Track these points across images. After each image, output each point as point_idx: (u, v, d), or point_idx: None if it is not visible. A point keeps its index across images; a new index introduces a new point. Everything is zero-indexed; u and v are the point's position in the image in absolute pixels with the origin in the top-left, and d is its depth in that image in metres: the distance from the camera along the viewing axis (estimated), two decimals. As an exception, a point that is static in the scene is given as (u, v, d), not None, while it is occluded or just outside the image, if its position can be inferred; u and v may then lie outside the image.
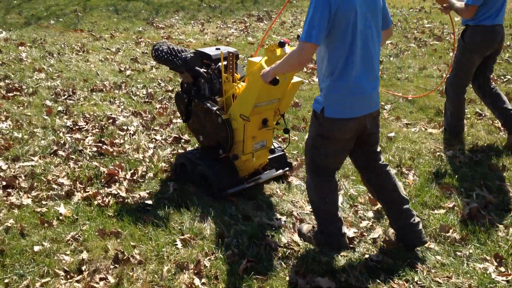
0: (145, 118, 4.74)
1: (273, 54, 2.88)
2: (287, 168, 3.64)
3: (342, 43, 2.39)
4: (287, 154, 3.77)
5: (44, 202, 3.28)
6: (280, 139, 4.32)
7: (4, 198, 3.31)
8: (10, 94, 5.17)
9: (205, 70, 3.34)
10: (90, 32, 8.34)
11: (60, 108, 4.86)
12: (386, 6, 2.63)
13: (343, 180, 3.61)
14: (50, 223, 3.04)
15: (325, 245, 2.80)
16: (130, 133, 4.37)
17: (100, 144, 4.07)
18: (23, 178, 3.57)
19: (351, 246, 2.86)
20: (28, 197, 3.34)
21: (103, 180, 3.58)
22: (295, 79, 3.19)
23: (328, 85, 2.49)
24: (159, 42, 3.56)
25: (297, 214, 3.21)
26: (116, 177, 3.60)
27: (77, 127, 4.46)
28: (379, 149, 2.77)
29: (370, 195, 3.15)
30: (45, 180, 3.55)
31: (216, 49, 3.41)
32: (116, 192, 3.40)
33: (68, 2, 11.16)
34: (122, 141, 4.21)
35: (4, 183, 3.48)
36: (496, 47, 3.93)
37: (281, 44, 2.89)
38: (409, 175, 3.67)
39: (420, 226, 2.76)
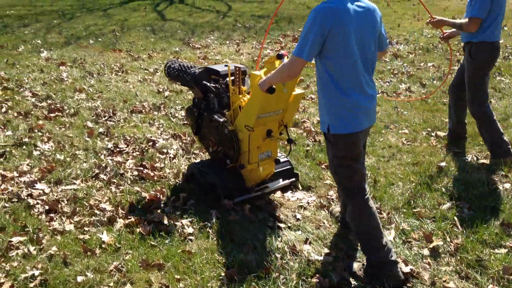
0: (184, 141, 4.69)
1: (272, 66, 3.03)
2: (294, 179, 3.75)
3: (340, 62, 2.51)
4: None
5: (86, 229, 3.22)
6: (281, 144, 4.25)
7: (47, 223, 3.27)
8: (52, 115, 5.22)
9: (214, 85, 3.52)
10: (128, 52, 8.44)
11: (101, 129, 4.86)
12: (383, 30, 2.74)
13: (393, 213, 3.43)
14: (92, 252, 2.97)
15: (378, 277, 2.66)
16: (170, 157, 4.31)
17: (141, 168, 4.02)
18: (66, 202, 3.54)
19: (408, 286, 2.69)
20: (71, 223, 3.30)
21: (144, 207, 3.51)
22: (297, 91, 3.33)
23: (329, 102, 2.60)
24: (171, 60, 3.77)
25: (347, 249, 3.06)
26: (158, 203, 3.53)
27: (118, 149, 4.44)
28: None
29: (422, 232, 3.15)
30: (87, 204, 3.50)
31: (225, 65, 3.53)
32: (157, 220, 3.32)
33: (107, 22, 11.41)
34: (162, 164, 4.16)
35: (47, 207, 3.45)
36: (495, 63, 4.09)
37: (280, 57, 3.02)
38: (464, 209, 3.46)
39: None
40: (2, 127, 4.84)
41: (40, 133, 4.74)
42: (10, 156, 4.22)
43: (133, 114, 5.41)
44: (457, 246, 3.04)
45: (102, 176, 3.92)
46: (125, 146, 4.53)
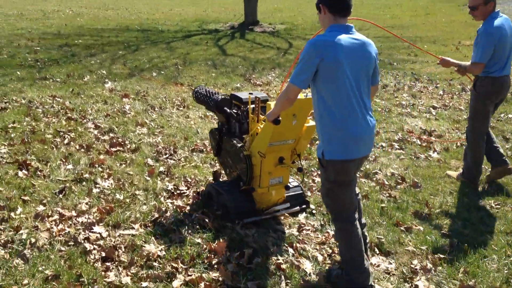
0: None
1: None
2: (304, 206, 3.91)
3: (334, 92, 2.64)
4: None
5: (144, 284, 2.95)
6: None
7: (103, 273, 3.04)
8: (113, 149, 5.11)
9: (235, 111, 3.74)
10: (190, 86, 8.39)
11: (161, 168, 4.67)
12: (377, 65, 2.85)
13: None
14: (150, 313, 2.68)
15: None
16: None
17: (203, 216, 3.75)
18: (123, 250, 3.31)
19: None
20: (127, 275, 3.05)
21: (206, 261, 3.21)
22: (311, 123, 3.46)
23: (325, 131, 2.74)
24: (199, 86, 4.14)
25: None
26: (221, 258, 3.23)
27: (178, 191, 4.21)
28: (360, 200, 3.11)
29: None
30: (145, 254, 3.25)
31: (249, 94, 3.65)
32: (221, 279, 3.00)
33: (169, 54, 11.56)
34: (224, 212, 3.87)
35: (103, 254, 3.23)
36: (505, 94, 4.27)
37: None
38: None
39: (367, 247, 3.09)
40: (64, 160, 4.76)
41: (100, 169, 4.61)
42: (69, 192, 4.08)
43: (194, 153, 5.21)
44: None
45: (161, 220, 3.68)
46: (186, 188, 4.30)
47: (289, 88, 2.72)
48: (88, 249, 3.27)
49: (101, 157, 4.89)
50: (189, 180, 4.46)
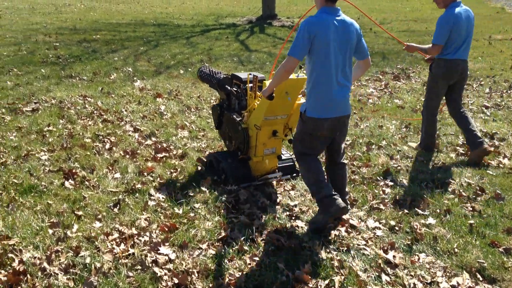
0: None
1: None
2: (295, 174, 4.35)
3: (319, 62, 3.19)
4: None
5: (230, 318, 2.62)
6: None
7: (180, 304, 2.71)
8: (159, 155, 4.77)
9: (236, 89, 4.14)
10: (222, 84, 8.03)
11: (215, 177, 4.32)
12: (362, 41, 3.38)
13: None
14: None
15: (325, 209, 3.33)
16: (295, 214, 3.69)
17: (277, 235, 3.41)
18: (196, 275, 2.97)
19: None
20: (208, 305, 2.71)
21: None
22: (302, 100, 3.84)
23: (309, 92, 3.31)
24: (203, 65, 4.41)
25: None
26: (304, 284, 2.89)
27: (240, 204, 3.85)
28: (343, 148, 3.61)
29: None
30: (221, 281, 2.91)
31: (249, 74, 4.07)
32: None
33: (192, 50, 11.20)
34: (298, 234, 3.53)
35: (176, 280, 2.89)
36: (458, 77, 4.69)
37: None
38: None
39: (347, 211, 3.45)
40: (110, 168, 4.43)
41: (151, 178, 4.28)
42: (124, 206, 3.75)
43: (245, 159, 4.86)
44: None
45: (230, 241, 3.34)
46: (246, 202, 3.94)
47: (288, 60, 3.18)
48: (158, 274, 2.93)
49: (149, 164, 4.56)
50: (250, 190, 4.11)
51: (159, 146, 4.99)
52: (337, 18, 3.21)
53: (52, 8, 19.61)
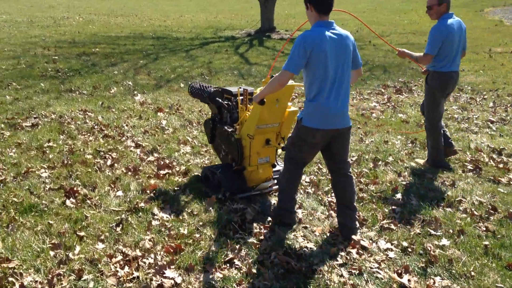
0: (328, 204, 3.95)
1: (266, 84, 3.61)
2: None
3: (318, 76, 3.22)
4: None
5: None
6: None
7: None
8: (162, 172, 4.66)
9: (227, 103, 4.23)
10: (224, 98, 7.95)
11: (219, 195, 4.21)
12: (356, 51, 3.43)
13: None
14: None
15: (280, 217, 3.69)
16: (305, 250, 3.58)
17: (286, 257, 3.29)
18: (205, 300, 2.85)
19: None
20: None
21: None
22: (292, 108, 4.02)
23: (306, 103, 3.37)
24: (194, 81, 4.70)
25: None
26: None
27: (248, 224, 3.74)
28: (348, 160, 3.56)
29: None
30: (231, 306, 2.80)
31: (238, 87, 4.18)
32: None
33: (192, 64, 11.14)
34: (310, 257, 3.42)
35: (183, 306, 2.77)
36: (451, 89, 4.82)
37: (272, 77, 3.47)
38: None
39: (356, 231, 3.54)
40: (112, 186, 4.32)
41: (154, 196, 4.17)
42: (127, 226, 3.63)
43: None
44: None
45: (237, 263, 3.22)
46: (252, 217, 3.83)
47: (283, 75, 3.24)
48: (165, 300, 2.82)
49: (152, 181, 4.45)
50: (255, 207, 4.01)
51: (162, 163, 4.89)
52: (332, 31, 3.25)
53: (51, 21, 19.58)
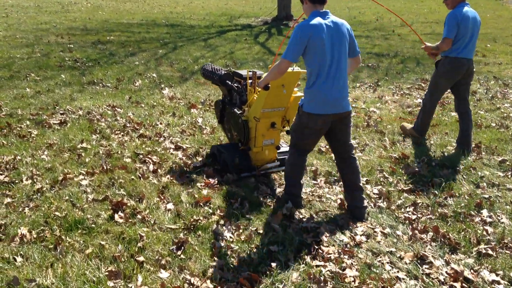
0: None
1: None
2: None
3: (316, 63, 3.34)
4: None
5: None
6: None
7: None
8: (212, 180, 4.20)
9: (237, 85, 4.35)
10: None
11: (284, 210, 3.75)
12: (354, 39, 3.52)
13: None
14: None
15: (288, 200, 3.73)
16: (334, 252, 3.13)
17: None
18: None
19: None
20: None
21: None
22: (298, 93, 4.12)
23: (306, 90, 3.46)
24: (206, 63, 4.71)
25: None
26: None
27: (322, 247, 3.29)
28: (350, 143, 3.67)
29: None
30: None
31: (248, 71, 4.25)
32: None
33: (213, 54, 10.64)
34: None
35: None
36: (464, 76, 4.86)
37: None
38: None
39: (365, 209, 3.69)
40: (161, 197, 3.86)
41: (209, 209, 3.71)
42: (189, 248, 3.18)
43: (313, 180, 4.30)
44: None
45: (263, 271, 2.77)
46: (328, 232, 3.38)
47: (282, 63, 3.37)
48: None
49: (204, 192, 3.99)
50: (328, 226, 3.55)
51: (207, 169, 4.42)
52: (328, 20, 3.36)
53: (59, 6, 18.98)
